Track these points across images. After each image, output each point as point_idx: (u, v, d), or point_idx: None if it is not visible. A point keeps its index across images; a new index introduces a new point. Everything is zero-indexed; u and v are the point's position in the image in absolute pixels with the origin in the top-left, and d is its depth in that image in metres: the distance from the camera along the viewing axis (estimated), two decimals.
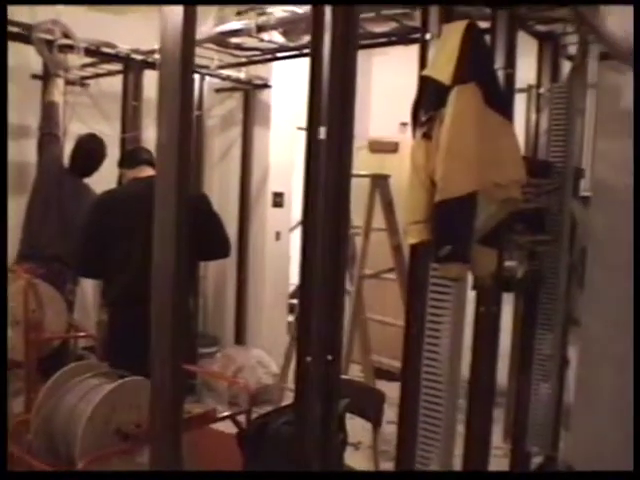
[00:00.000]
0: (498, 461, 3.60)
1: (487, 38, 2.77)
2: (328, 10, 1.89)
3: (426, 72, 2.24)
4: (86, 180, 4.23)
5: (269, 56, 4.60)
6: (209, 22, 4.93)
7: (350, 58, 1.92)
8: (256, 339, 5.44)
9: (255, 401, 4.28)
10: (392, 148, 5.03)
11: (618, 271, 3.63)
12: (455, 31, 2.22)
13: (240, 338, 5.56)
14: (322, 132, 1.89)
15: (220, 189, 5.64)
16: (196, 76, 5.21)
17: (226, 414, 2.78)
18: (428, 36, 2.38)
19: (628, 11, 3.44)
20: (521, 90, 3.81)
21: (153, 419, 1.76)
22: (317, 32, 1.90)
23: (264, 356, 5.06)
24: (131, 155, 3.50)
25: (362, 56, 5.58)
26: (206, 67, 5.00)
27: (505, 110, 2.26)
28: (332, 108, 1.88)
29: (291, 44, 4.17)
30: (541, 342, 3.34)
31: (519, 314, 3.52)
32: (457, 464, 2.80)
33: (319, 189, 1.90)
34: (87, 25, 4.30)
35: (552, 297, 3.27)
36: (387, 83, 5.52)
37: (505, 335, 3.82)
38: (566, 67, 3.53)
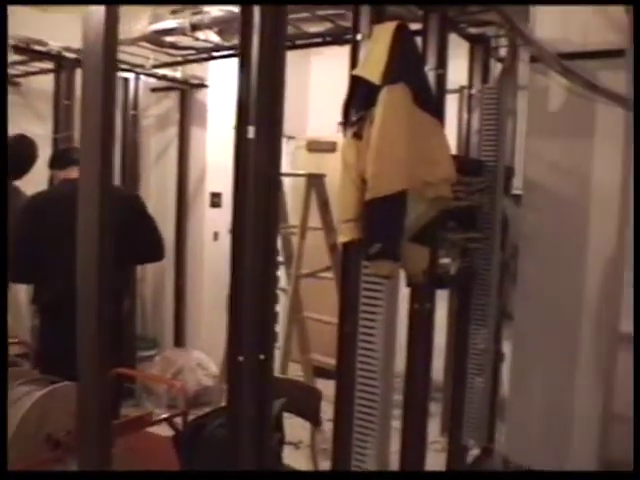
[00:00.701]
0: (435, 455, 3.67)
1: (419, 39, 2.83)
2: (257, 10, 1.90)
3: (356, 72, 2.26)
4: (16, 182, 4.11)
5: (205, 55, 4.56)
6: (143, 20, 4.87)
7: (279, 58, 1.93)
8: (196, 341, 5.39)
9: (195, 403, 4.27)
10: (330, 147, 5.06)
11: (549, 267, 3.74)
12: (385, 31, 2.24)
13: (179, 340, 5.49)
14: (251, 131, 1.89)
15: (157, 189, 5.57)
16: (131, 75, 5.13)
17: (162, 417, 2.75)
18: (359, 36, 2.41)
19: (556, 18, 3.56)
20: (453, 91, 3.89)
21: (80, 426, 1.72)
22: (246, 32, 1.90)
23: (204, 357, 5.02)
24: (62, 155, 3.42)
25: (300, 56, 5.61)
26: (141, 66, 4.93)
27: (435, 110, 2.30)
28: (261, 107, 1.89)
29: (226, 43, 4.15)
30: (475, 337, 3.41)
31: (453, 310, 3.59)
32: (394, 460, 2.84)
33: (248, 188, 1.90)
34: (16, 21, 4.17)
35: (485, 293, 3.35)
36: (325, 83, 5.54)
37: (440, 330, 3.90)
38: (497, 69, 3.62)
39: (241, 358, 1.92)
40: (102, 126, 1.53)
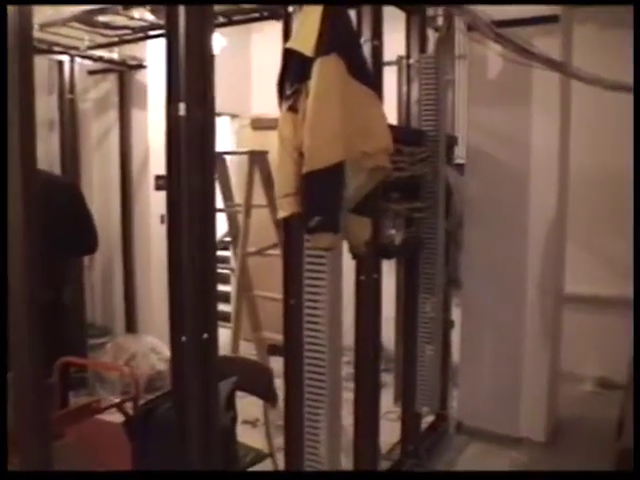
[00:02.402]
0: (390, 425, 3.71)
1: (353, 11, 2.80)
2: None
3: (289, 44, 2.22)
4: None
5: (141, 35, 4.45)
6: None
7: (206, 32, 1.89)
8: (148, 326, 5.32)
9: (149, 388, 4.22)
10: (274, 124, 4.94)
11: (493, 233, 3.79)
12: (316, 4, 2.21)
13: (131, 326, 5.43)
14: (181, 108, 1.85)
15: (100, 175, 5.45)
16: (66, 58, 4.98)
17: (111, 403, 2.71)
18: (291, 9, 2.37)
19: None
20: (391, 63, 3.88)
21: (18, 419, 1.67)
22: (171, 8, 1.85)
23: (157, 342, 4.95)
24: None
25: (240, 35, 5.52)
26: (76, 48, 4.78)
27: (370, 80, 2.28)
28: (190, 83, 1.84)
29: (162, 22, 4.04)
30: (424, 306, 3.43)
31: (401, 280, 3.60)
32: (349, 432, 2.86)
33: (182, 168, 1.87)
34: None
35: (432, 262, 3.37)
36: (267, 60, 5.44)
37: (390, 300, 3.93)
38: (435, 38, 3.62)
39: (184, 338, 1.90)
40: (20, 107, 1.47)
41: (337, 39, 2.15)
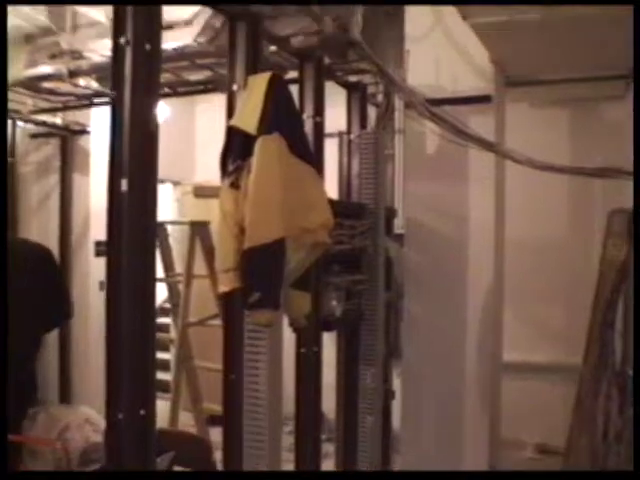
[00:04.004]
0: None
1: (296, 87, 2.92)
2: (128, 57, 1.92)
3: (233, 122, 2.30)
4: None
5: (86, 102, 4.49)
6: (18, 65, 4.74)
7: (151, 107, 1.94)
8: (83, 396, 5.17)
9: (84, 461, 4.09)
10: (217, 193, 5.02)
11: (433, 303, 3.88)
12: (260, 82, 2.30)
13: (65, 396, 5.26)
14: (124, 184, 1.89)
15: (38, 239, 5.33)
16: (8, 121, 4.96)
17: None
18: (235, 87, 2.45)
19: (429, 65, 3.76)
20: (331, 135, 4.01)
21: None
22: (118, 79, 1.91)
23: (92, 413, 4.80)
24: None
25: (185, 101, 5.57)
26: (18, 112, 4.78)
27: (311, 158, 2.37)
28: (133, 159, 1.89)
29: (107, 90, 4.10)
30: (365, 376, 3.47)
31: (342, 350, 3.64)
32: None
33: (123, 241, 1.90)
34: None
35: (373, 332, 3.42)
36: (211, 129, 5.55)
37: (331, 370, 3.94)
38: (375, 114, 3.77)
39: (120, 416, 1.88)
40: None
41: (279, 118, 2.24)
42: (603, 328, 3.28)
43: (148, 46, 1.96)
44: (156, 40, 2.01)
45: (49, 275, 3.24)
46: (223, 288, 2.18)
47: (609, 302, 3.28)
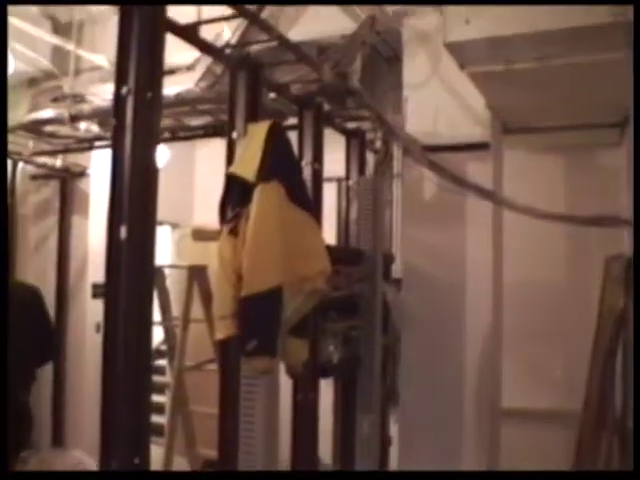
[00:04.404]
0: None
1: (295, 134, 2.96)
2: (130, 104, 1.95)
3: (232, 169, 2.32)
4: None
5: (86, 145, 4.53)
6: (22, 109, 4.81)
7: (152, 156, 1.97)
8: (77, 439, 5.10)
9: None
10: (216, 236, 5.04)
11: (430, 348, 3.86)
12: (259, 130, 2.34)
13: (58, 439, 5.19)
14: (123, 231, 1.90)
15: (36, 280, 5.34)
16: (8, 162, 5.00)
17: None
18: (234, 134, 2.48)
19: (427, 112, 3.82)
20: (330, 180, 4.05)
21: None
22: (119, 125, 1.94)
23: (85, 457, 4.74)
24: None
25: (185, 147, 5.63)
26: (19, 154, 4.82)
27: (309, 205, 2.39)
28: (133, 204, 1.90)
29: (107, 134, 4.15)
30: (362, 423, 3.43)
31: (338, 396, 3.62)
32: None
33: (121, 286, 1.90)
34: None
35: (370, 379, 3.40)
36: (210, 172, 5.58)
37: (328, 414, 3.91)
38: (373, 160, 3.81)
39: (114, 465, 1.86)
40: None
41: (278, 166, 2.27)
42: (603, 375, 3.26)
43: (150, 94, 1.99)
44: (158, 88, 2.05)
45: (36, 314, 3.24)
46: (220, 335, 2.18)
47: (608, 350, 3.26)
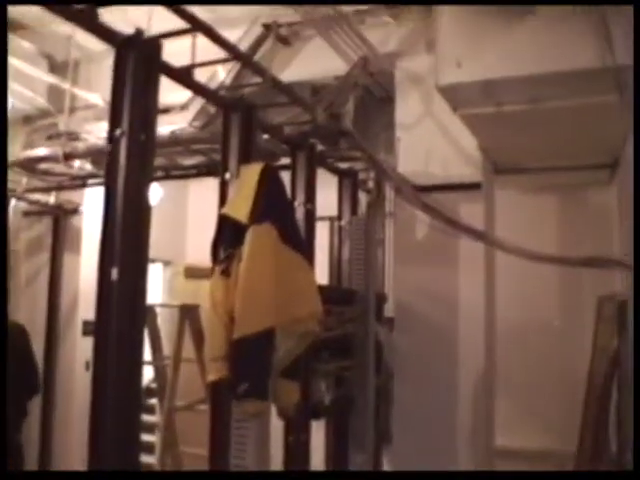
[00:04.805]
0: None
1: (288, 174, 2.97)
2: (123, 145, 1.96)
3: (225, 210, 2.33)
4: None
5: (79, 182, 4.54)
6: (17, 146, 4.82)
7: (145, 188, 1.97)
8: None
9: None
10: (208, 274, 5.03)
11: (423, 387, 3.84)
12: (252, 172, 2.35)
13: None
14: (114, 273, 1.90)
15: (26, 316, 5.30)
16: None
17: None
18: (227, 175, 2.49)
19: (419, 152, 3.85)
20: (323, 218, 4.06)
21: None
22: (112, 166, 1.95)
23: None
24: None
25: (178, 185, 5.61)
26: (12, 190, 4.82)
27: (301, 247, 2.39)
28: (125, 245, 1.90)
29: (101, 172, 4.16)
30: (355, 462, 3.39)
31: (330, 437, 3.58)
32: None
33: (111, 327, 1.89)
34: None
35: (362, 419, 3.36)
36: (203, 210, 5.59)
37: (320, 454, 3.86)
38: (366, 199, 3.83)
39: None
40: None
41: (271, 208, 2.27)
42: (598, 415, 3.24)
43: (143, 136, 2.01)
44: (151, 130, 2.07)
45: (22, 350, 3.23)
46: (211, 377, 2.16)
47: (602, 390, 3.24)
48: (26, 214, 5.42)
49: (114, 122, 1.99)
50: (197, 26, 2.38)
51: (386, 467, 4.03)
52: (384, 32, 4.04)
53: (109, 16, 2.21)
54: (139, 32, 2.07)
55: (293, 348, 2.29)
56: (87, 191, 4.99)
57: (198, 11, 2.41)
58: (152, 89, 2.06)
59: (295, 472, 2.46)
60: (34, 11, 3.82)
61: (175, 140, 3.40)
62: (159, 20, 2.63)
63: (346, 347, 3.22)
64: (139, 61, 2.02)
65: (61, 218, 5.26)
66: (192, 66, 2.57)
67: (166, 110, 4.32)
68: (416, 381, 3.85)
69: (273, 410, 2.44)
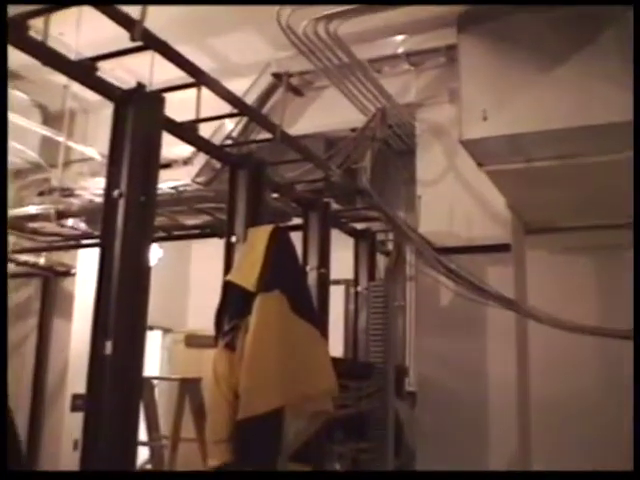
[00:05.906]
0: None
1: (300, 235, 2.98)
2: (121, 207, 1.98)
3: (230, 277, 2.33)
4: None
5: (72, 242, 4.56)
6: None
7: (142, 259, 1.98)
8: None
9: None
10: (211, 343, 5.00)
11: (450, 469, 3.75)
12: (261, 235, 2.36)
13: None
14: (108, 347, 1.89)
15: (10, 389, 5.28)
16: None
17: None
18: (234, 239, 2.51)
19: (442, 211, 3.86)
20: (338, 282, 4.05)
21: None
22: (108, 228, 1.96)
23: None
24: None
25: (180, 246, 5.61)
26: None
27: (314, 317, 2.38)
28: (120, 313, 1.90)
29: (96, 232, 4.18)
30: None
31: None
32: None
33: (102, 404, 1.88)
34: None
35: None
36: (207, 273, 5.60)
37: None
38: (384, 262, 3.83)
39: None
40: None
41: (281, 274, 2.28)
42: None
43: (143, 198, 2.02)
44: (152, 190, 2.08)
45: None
46: (214, 462, 2.12)
47: None
48: (13, 276, 5.43)
49: (111, 182, 2.01)
50: (202, 79, 2.42)
51: None
52: (403, 81, 4.11)
53: (108, 64, 2.26)
54: (140, 86, 2.11)
55: (304, 429, 2.25)
56: (80, 252, 5.03)
57: (204, 59, 2.45)
58: (154, 147, 2.09)
59: (295, 472, 2.36)
60: (31, 62, 3.92)
61: (177, 198, 3.43)
62: (161, 71, 2.68)
63: (363, 426, 3.18)
64: (140, 117, 2.05)
65: (51, 281, 5.28)
66: (197, 121, 2.60)
67: (168, 165, 4.39)
68: (440, 464, 3.76)
69: None
